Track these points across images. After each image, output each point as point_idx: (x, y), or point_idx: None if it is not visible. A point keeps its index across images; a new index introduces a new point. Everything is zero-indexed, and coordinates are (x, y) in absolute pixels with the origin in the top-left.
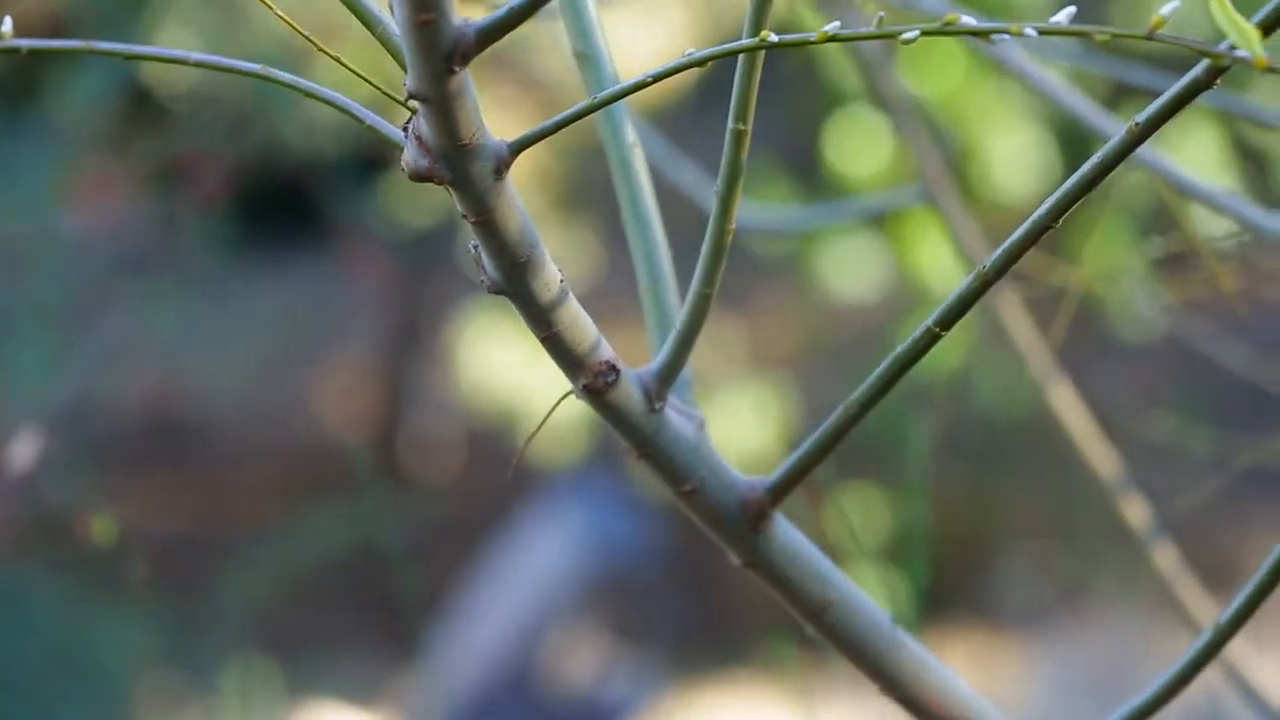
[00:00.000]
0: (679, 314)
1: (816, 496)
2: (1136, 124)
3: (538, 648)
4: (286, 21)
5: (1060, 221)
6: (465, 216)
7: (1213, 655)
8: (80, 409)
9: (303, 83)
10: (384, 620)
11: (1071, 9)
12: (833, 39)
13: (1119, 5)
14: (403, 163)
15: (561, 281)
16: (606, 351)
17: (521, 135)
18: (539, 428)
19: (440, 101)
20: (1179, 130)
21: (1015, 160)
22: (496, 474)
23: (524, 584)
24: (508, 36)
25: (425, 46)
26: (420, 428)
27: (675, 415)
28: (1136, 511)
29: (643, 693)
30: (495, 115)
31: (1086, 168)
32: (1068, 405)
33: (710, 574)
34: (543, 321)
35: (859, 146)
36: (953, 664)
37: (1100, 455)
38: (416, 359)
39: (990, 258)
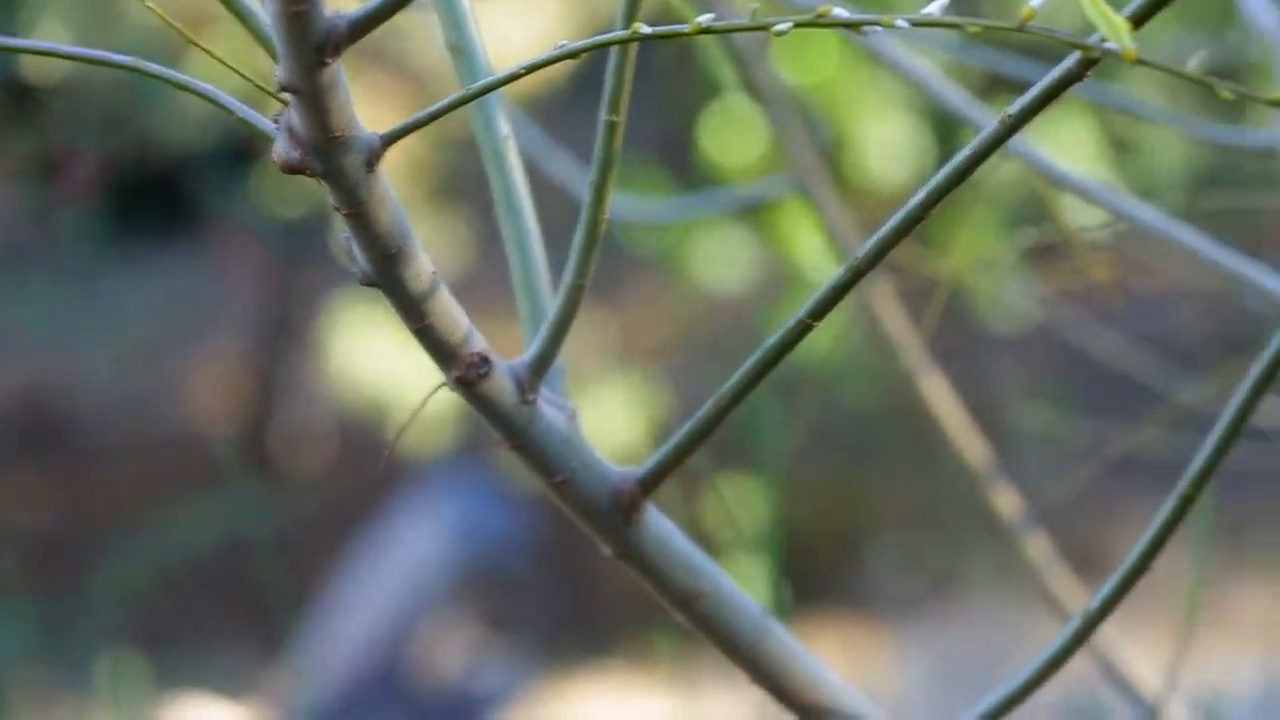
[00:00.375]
0: (551, 305)
1: (692, 488)
2: (1009, 115)
3: (408, 639)
4: (158, 14)
5: (932, 212)
6: (337, 208)
7: (1082, 642)
8: None
9: (174, 75)
10: (255, 614)
11: (944, 0)
12: (706, 31)
13: None
14: (274, 155)
15: (433, 273)
16: (479, 343)
17: (394, 127)
18: (410, 420)
19: (311, 93)
20: (1053, 121)
21: (889, 150)
22: (368, 466)
23: (395, 575)
24: (381, 27)
25: (296, 38)
26: (292, 420)
27: (547, 407)
28: (1008, 501)
29: (514, 684)
30: (368, 106)
31: (959, 159)
32: (939, 396)
33: (581, 565)
34: (414, 313)
35: (733, 137)
36: (824, 654)
37: (971, 445)
38: (288, 351)
39: (862, 249)
